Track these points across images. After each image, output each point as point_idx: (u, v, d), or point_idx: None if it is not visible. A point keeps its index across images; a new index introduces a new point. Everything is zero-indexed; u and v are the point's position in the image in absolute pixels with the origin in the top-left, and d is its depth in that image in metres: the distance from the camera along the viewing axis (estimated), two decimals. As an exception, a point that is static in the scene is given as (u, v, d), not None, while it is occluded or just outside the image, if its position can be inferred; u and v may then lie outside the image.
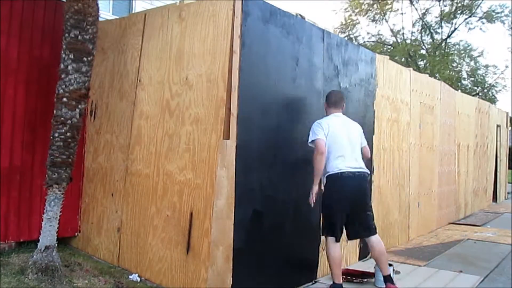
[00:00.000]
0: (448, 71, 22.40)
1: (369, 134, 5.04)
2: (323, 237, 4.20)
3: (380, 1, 23.62)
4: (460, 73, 24.73)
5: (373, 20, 24.62)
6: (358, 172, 3.90)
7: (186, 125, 3.77)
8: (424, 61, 24.05)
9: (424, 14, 23.67)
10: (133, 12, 9.10)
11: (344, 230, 3.95)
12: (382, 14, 24.19)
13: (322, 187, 3.97)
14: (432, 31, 24.16)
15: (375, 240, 3.95)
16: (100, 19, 4.04)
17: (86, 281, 3.70)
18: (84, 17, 3.77)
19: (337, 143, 3.90)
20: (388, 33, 27.08)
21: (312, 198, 3.87)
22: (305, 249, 4.24)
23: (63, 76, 3.77)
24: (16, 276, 3.58)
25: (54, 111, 3.79)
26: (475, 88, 24.38)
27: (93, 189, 4.62)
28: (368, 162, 4.50)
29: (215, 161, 3.49)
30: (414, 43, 24.38)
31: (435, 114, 7.23)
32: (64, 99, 3.75)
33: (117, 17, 5.44)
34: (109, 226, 4.38)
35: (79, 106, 3.82)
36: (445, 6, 23.35)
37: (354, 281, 4.25)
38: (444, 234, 6.88)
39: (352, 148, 3.97)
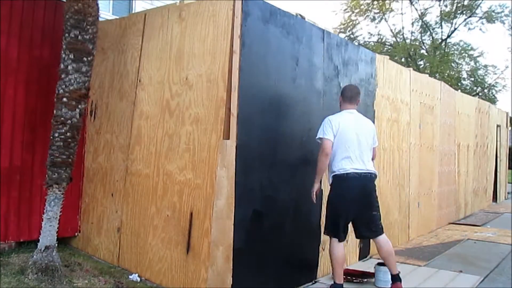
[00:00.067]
0: (449, 71, 22.40)
1: (369, 134, 5.03)
2: (323, 237, 4.20)
3: (379, 1, 23.61)
4: (460, 73, 24.73)
5: (372, 20, 24.65)
6: (364, 173, 3.84)
7: (186, 125, 3.76)
8: (424, 61, 24.05)
9: (423, 14, 23.69)
10: (133, 12, 9.11)
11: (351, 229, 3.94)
12: (382, 14, 24.20)
13: (328, 186, 3.96)
14: (431, 31, 24.17)
15: (383, 240, 3.92)
16: (100, 19, 4.04)
17: (86, 281, 3.70)
18: (84, 17, 3.77)
19: (346, 143, 3.82)
20: (388, 33, 27.12)
21: (313, 196, 3.87)
22: (305, 249, 4.24)
23: (63, 76, 3.77)
24: (16, 276, 3.57)
25: (54, 111, 3.79)
26: (475, 88, 24.38)
27: (93, 189, 4.62)
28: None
29: (215, 161, 3.49)
30: (414, 43, 24.38)
31: (435, 114, 7.23)
32: (64, 99, 3.75)
33: (117, 17, 5.44)
34: (109, 226, 4.38)
35: (79, 106, 3.82)
36: (445, 6, 23.39)
37: (354, 281, 4.26)
38: (444, 234, 6.87)
39: (360, 149, 3.86)
